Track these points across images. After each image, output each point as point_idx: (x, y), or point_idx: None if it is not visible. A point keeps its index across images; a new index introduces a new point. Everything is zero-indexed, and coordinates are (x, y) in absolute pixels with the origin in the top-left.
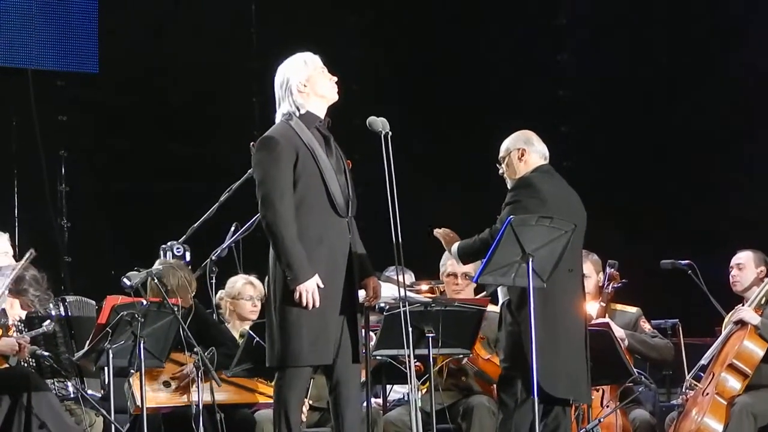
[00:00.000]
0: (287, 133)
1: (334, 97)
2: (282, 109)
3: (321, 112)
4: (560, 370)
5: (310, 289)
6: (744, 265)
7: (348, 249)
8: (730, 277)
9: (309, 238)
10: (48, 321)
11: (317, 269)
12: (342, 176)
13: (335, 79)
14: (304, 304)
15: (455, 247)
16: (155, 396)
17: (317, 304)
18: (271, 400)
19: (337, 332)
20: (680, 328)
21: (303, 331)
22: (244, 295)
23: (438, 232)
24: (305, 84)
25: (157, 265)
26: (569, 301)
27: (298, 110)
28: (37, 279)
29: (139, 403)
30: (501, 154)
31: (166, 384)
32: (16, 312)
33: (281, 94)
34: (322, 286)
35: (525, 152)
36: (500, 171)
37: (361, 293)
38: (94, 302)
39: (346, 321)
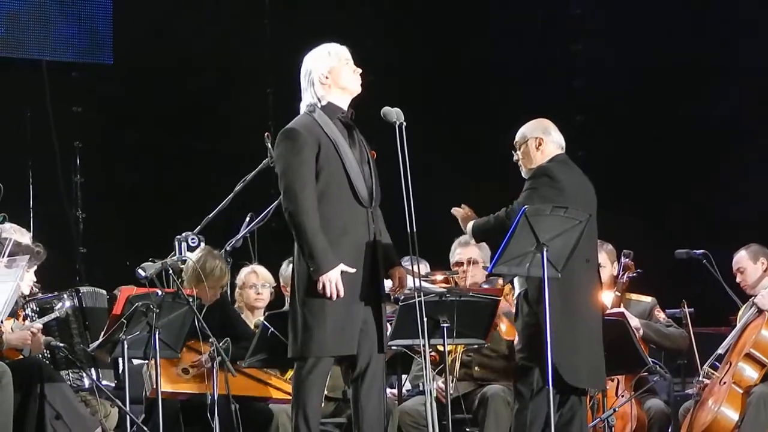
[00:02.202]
0: (309, 125)
1: (356, 89)
2: (305, 100)
3: (344, 104)
4: (582, 359)
5: (333, 279)
6: (743, 267)
7: (372, 239)
8: (738, 281)
9: (332, 229)
10: (60, 305)
11: (341, 259)
12: (366, 167)
13: (359, 71)
14: (328, 294)
15: (470, 225)
16: (171, 381)
17: (341, 294)
18: (284, 395)
19: (360, 322)
20: (687, 315)
21: (327, 321)
22: (248, 283)
23: (456, 210)
24: (327, 75)
25: (197, 253)
26: (586, 291)
27: (320, 101)
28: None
29: (155, 387)
30: (517, 140)
31: (185, 371)
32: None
33: (305, 84)
34: (352, 270)
35: (542, 141)
36: (515, 158)
37: (388, 283)
38: (104, 292)
39: (370, 311)
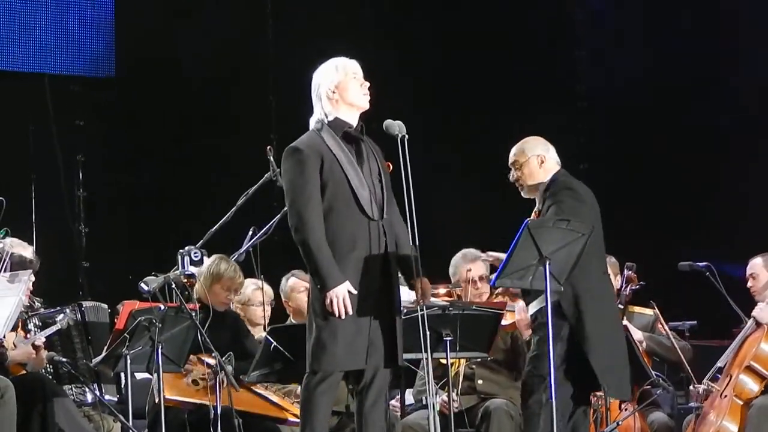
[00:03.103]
0: (312, 142)
1: (363, 104)
2: (314, 115)
3: (351, 118)
4: (623, 367)
5: (340, 295)
6: (757, 273)
7: (384, 251)
8: (749, 286)
9: (341, 243)
10: (61, 316)
11: (350, 274)
12: (376, 179)
13: (367, 85)
14: (334, 310)
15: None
16: (180, 391)
17: (349, 311)
18: (289, 417)
19: (370, 336)
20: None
21: (338, 336)
22: (254, 301)
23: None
24: (334, 90)
25: (210, 263)
26: (611, 300)
27: (327, 117)
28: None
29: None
30: (516, 159)
31: (195, 382)
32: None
33: (314, 98)
34: (354, 292)
35: (545, 159)
36: (512, 177)
37: (411, 294)
38: (106, 306)
39: (381, 324)
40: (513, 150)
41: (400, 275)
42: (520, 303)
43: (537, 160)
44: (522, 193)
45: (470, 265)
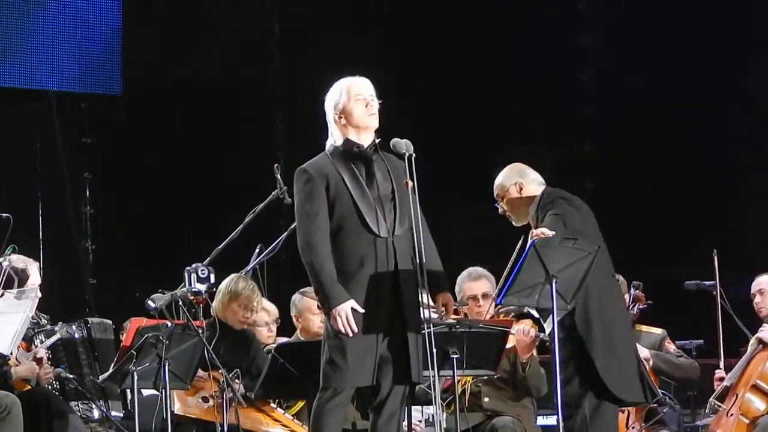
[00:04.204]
0: (319, 163)
1: (369, 125)
2: (329, 139)
3: (362, 139)
4: (632, 372)
5: (342, 313)
6: (764, 289)
7: (394, 268)
8: (754, 304)
9: (349, 262)
10: (59, 324)
11: (358, 291)
12: (387, 197)
13: (374, 104)
14: (339, 327)
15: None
16: (189, 407)
17: (354, 328)
18: None
19: (382, 352)
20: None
21: (347, 353)
22: (259, 321)
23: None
24: (340, 116)
25: (228, 281)
26: (618, 298)
27: (337, 141)
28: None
29: (173, 409)
30: (497, 193)
31: (205, 399)
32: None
33: (328, 120)
34: (360, 310)
35: (522, 185)
36: (500, 210)
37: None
38: (110, 322)
39: (393, 340)
40: (494, 185)
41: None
42: (521, 326)
43: (515, 188)
44: (514, 224)
45: (472, 284)
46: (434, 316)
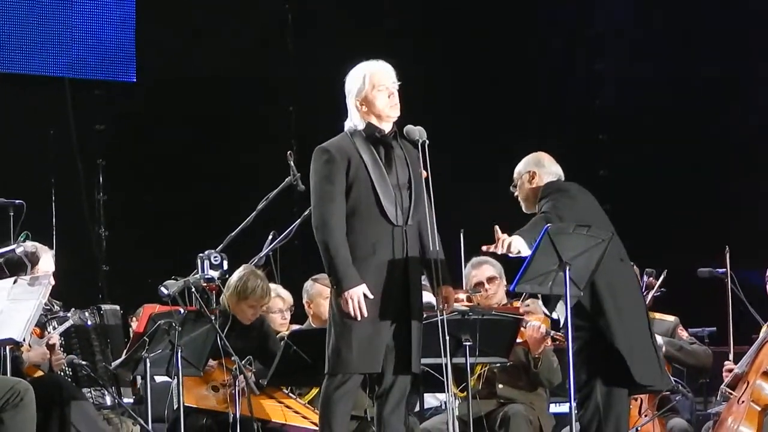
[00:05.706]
0: (341, 143)
1: (390, 115)
2: (348, 119)
3: (382, 127)
4: (655, 358)
5: (354, 296)
6: None
7: (404, 257)
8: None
9: (361, 247)
10: (72, 311)
11: (369, 278)
12: (404, 186)
13: (395, 93)
14: (350, 310)
15: (518, 240)
16: (200, 397)
17: (365, 313)
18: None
19: (387, 340)
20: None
21: (354, 340)
22: (273, 308)
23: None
24: (362, 103)
25: (240, 271)
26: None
27: (357, 125)
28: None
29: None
30: (514, 176)
31: (215, 388)
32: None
33: (348, 102)
34: (371, 296)
35: (535, 174)
36: (515, 194)
37: (432, 298)
38: (118, 307)
39: (399, 329)
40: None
41: (424, 281)
42: (532, 321)
43: (528, 176)
44: (523, 209)
45: (475, 271)
46: (433, 306)
